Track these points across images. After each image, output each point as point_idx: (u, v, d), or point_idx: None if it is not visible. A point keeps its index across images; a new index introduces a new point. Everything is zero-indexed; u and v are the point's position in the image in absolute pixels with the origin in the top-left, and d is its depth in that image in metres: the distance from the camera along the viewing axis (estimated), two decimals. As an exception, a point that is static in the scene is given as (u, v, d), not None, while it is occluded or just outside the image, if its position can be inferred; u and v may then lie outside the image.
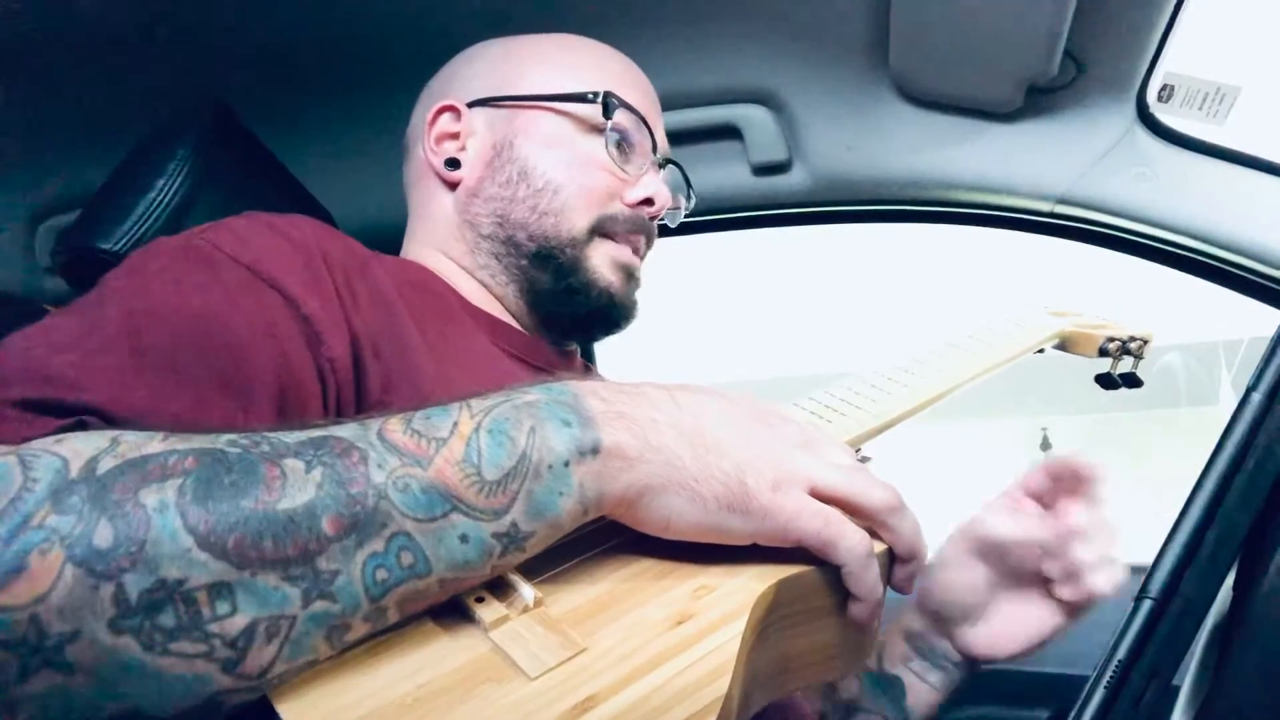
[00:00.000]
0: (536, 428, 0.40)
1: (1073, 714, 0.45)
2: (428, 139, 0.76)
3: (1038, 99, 0.98)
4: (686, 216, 0.92)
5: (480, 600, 0.39)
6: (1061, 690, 1.14)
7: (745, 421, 0.45)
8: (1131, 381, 0.86)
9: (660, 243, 1.29)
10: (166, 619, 0.32)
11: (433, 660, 0.36)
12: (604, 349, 1.48)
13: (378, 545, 0.36)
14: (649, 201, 0.75)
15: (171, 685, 0.33)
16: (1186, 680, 0.53)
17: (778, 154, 1.13)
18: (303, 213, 0.95)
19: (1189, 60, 0.93)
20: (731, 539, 0.43)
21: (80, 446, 0.35)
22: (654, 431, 0.42)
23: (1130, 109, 0.96)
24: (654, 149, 0.77)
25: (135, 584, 0.32)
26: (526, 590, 0.39)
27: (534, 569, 0.41)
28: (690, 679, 0.37)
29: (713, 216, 1.26)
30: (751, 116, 1.11)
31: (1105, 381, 0.86)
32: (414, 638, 0.37)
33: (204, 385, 0.45)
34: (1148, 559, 0.50)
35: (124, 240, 0.81)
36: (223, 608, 0.33)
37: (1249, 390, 0.49)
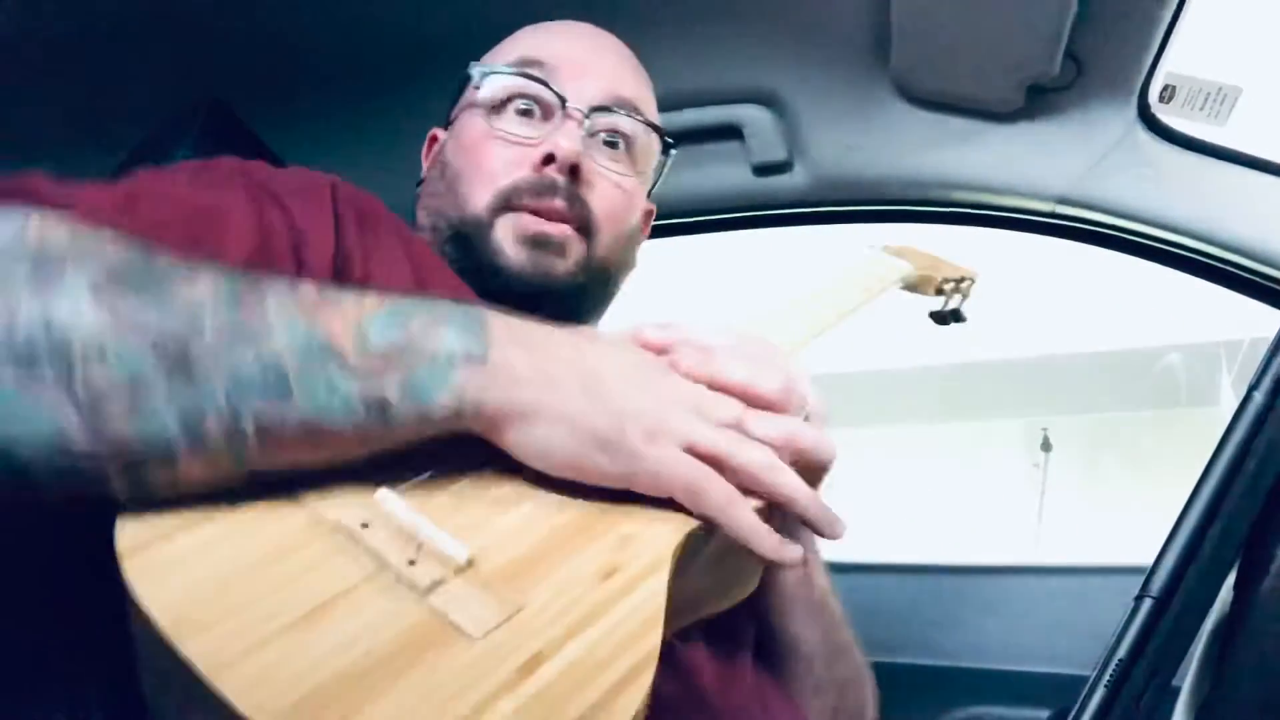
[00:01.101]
0: (434, 323, 0.42)
1: (1074, 712, 0.46)
2: (423, 165, 0.82)
3: (1039, 99, 0.98)
4: (688, 217, 0.92)
5: (412, 563, 0.38)
6: (1062, 690, 1.14)
7: (644, 377, 0.47)
8: (957, 317, 0.94)
9: (661, 243, 1.30)
10: (40, 355, 0.36)
11: (371, 628, 0.35)
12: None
13: (248, 354, 0.38)
14: (551, 159, 0.69)
15: (33, 424, 0.36)
16: (1187, 680, 0.53)
17: (778, 154, 1.13)
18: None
19: (1190, 61, 0.93)
20: (603, 480, 0.44)
21: (43, 220, 0.40)
22: (549, 362, 0.44)
23: (1131, 109, 0.96)
24: (563, 102, 0.70)
25: (25, 317, 0.36)
26: (459, 549, 0.39)
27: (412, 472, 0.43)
28: (628, 630, 0.38)
29: (713, 216, 1.26)
30: (752, 116, 1.11)
31: (939, 317, 0.93)
32: (347, 604, 0.36)
33: (175, 245, 0.47)
34: (1149, 559, 0.50)
35: (125, 239, 0.81)
36: (94, 361, 0.36)
37: (1251, 389, 0.49)
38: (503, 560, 0.40)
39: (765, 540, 0.45)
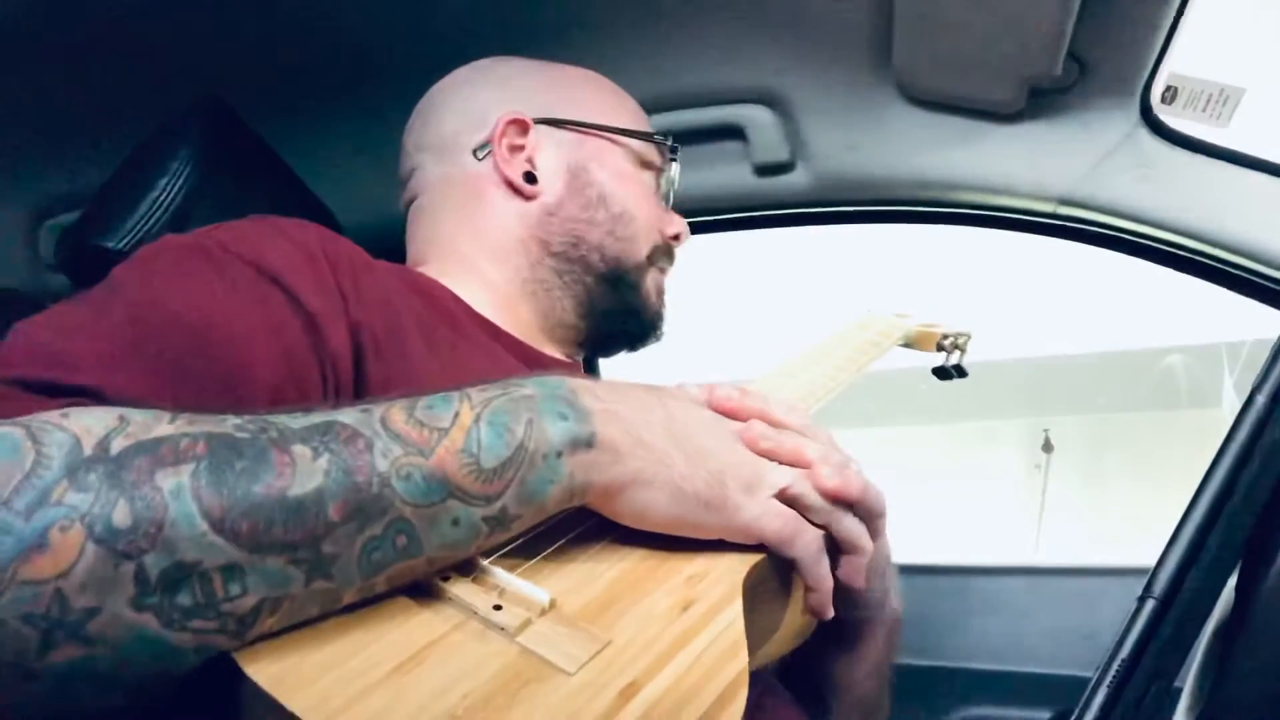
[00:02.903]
0: (534, 420, 0.42)
1: (1075, 713, 0.46)
2: (499, 149, 0.75)
3: (1040, 100, 0.98)
4: (689, 217, 0.93)
5: (499, 608, 0.39)
6: (1063, 690, 1.14)
7: (724, 429, 0.51)
8: (960, 372, 0.97)
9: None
10: (184, 598, 0.34)
11: (467, 670, 0.36)
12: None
13: (376, 530, 0.37)
14: (678, 236, 0.83)
15: (184, 655, 0.34)
16: (1188, 681, 0.53)
17: (780, 154, 1.13)
18: (304, 210, 0.96)
19: (1192, 61, 0.92)
20: (701, 533, 0.47)
21: (89, 423, 0.36)
22: (645, 430, 0.46)
23: (1133, 110, 0.96)
24: (670, 191, 0.83)
25: (155, 564, 0.33)
26: (540, 593, 0.40)
27: (516, 554, 0.43)
28: (714, 656, 0.40)
29: (715, 216, 1.26)
30: (754, 116, 1.11)
31: (942, 373, 0.97)
32: (441, 651, 0.37)
33: (202, 380, 0.47)
34: (1151, 560, 0.50)
35: (127, 238, 0.81)
36: (235, 588, 0.35)
37: (1253, 392, 0.49)
38: (582, 602, 0.42)
39: (826, 587, 0.50)
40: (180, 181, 0.84)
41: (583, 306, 0.77)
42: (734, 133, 1.13)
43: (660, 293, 0.82)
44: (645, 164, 0.81)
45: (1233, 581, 0.50)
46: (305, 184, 0.98)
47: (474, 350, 0.66)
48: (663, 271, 0.83)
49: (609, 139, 0.78)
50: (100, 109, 1.10)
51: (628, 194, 0.78)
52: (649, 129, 0.82)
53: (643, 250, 0.78)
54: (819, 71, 1.05)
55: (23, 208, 1.26)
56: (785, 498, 0.49)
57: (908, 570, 1.33)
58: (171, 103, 0.89)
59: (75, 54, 1.02)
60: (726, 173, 1.17)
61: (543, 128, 0.77)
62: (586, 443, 0.43)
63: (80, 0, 0.95)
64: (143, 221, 0.82)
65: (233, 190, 0.88)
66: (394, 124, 0.85)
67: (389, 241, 0.85)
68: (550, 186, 0.76)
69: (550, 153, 0.76)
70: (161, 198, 0.82)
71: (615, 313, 0.79)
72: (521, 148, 0.76)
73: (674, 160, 0.82)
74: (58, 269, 1.26)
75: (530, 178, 0.76)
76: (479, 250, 0.76)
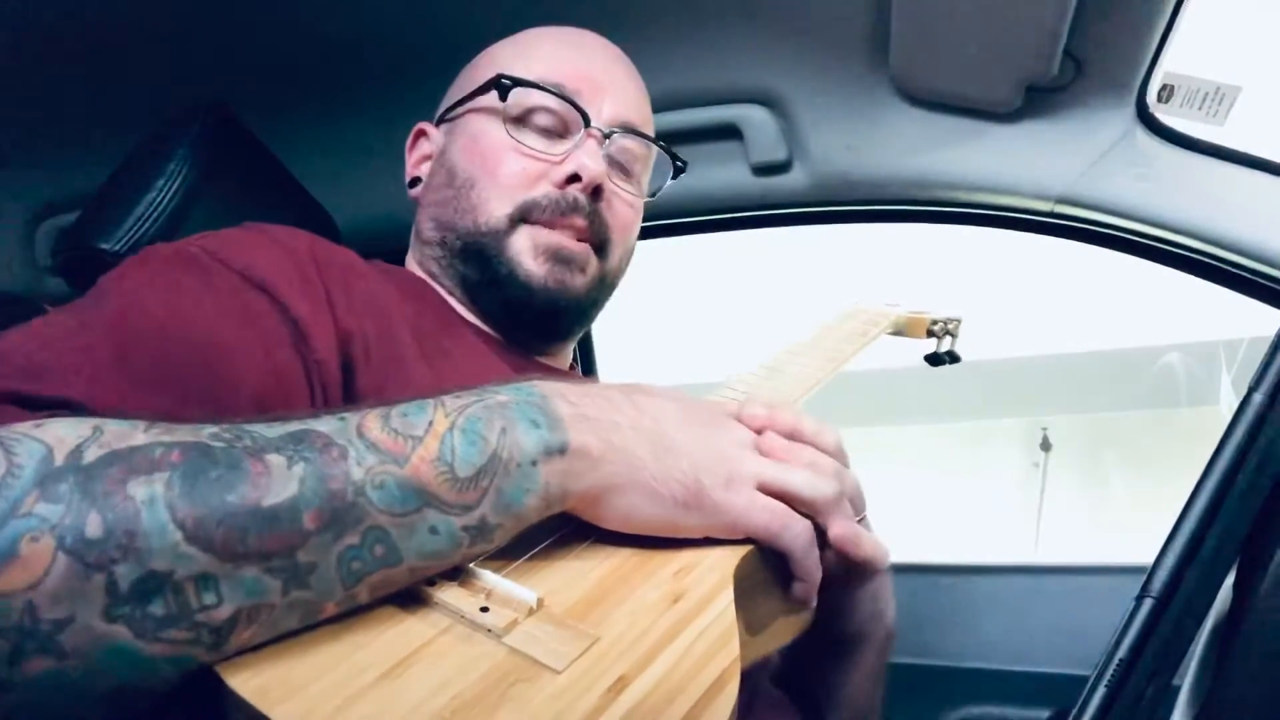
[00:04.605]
0: (508, 428, 0.42)
1: (1074, 712, 0.46)
2: (408, 162, 0.79)
3: (1037, 99, 0.98)
4: (688, 217, 0.92)
5: (485, 610, 0.39)
6: (1062, 690, 1.14)
7: (699, 423, 0.49)
8: (953, 357, 0.95)
9: (661, 243, 1.30)
10: (157, 608, 0.33)
11: (455, 673, 0.36)
12: (605, 348, 1.48)
13: (354, 539, 0.37)
14: (576, 178, 0.69)
15: (159, 666, 0.34)
16: (1186, 680, 0.53)
17: (778, 154, 1.13)
18: (302, 211, 0.95)
19: (1188, 60, 0.93)
20: (686, 533, 0.46)
21: (63, 433, 0.35)
22: (617, 434, 0.45)
23: (1130, 109, 0.96)
24: (586, 122, 0.71)
25: (126, 574, 0.33)
26: (527, 594, 0.40)
27: (501, 556, 0.43)
28: (704, 647, 0.40)
29: (713, 216, 1.26)
30: (751, 116, 1.11)
31: (934, 360, 0.95)
32: (428, 655, 0.37)
33: (185, 390, 0.46)
34: (1149, 558, 0.50)
35: (124, 240, 0.81)
36: (209, 598, 0.34)
37: (1250, 390, 0.49)
38: (570, 601, 0.42)
39: (814, 579, 0.49)
40: (178, 183, 0.83)
41: (462, 290, 0.73)
42: (731, 133, 1.14)
43: (543, 251, 0.69)
44: (514, 118, 0.71)
45: (1230, 579, 0.51)
46: (303, 185, 0.98)
47: (467, 355, 0.66)
48: (558, 227, 0.69)
49: (468, 109, 0.74)
50: (99, 110, 1.10)
51: (471, 159, 0.72)
52: (531, 78, 0.71)
53: (497, 213, 0.69)
54: (817, 71, 1.05)
55: (19, 209, 1.25)
56: (769, 489, 0.48)
57: (907, 570, 1.33)
58: (170, 103, 0.89)
59: (73, 55, 1.02)
60: (724, 173, 1.17)
61: (443, 126, 0.78)
62: (560, 450, 0.43)
63: (79, 1, 0.95)
64: (140, 223, 0.81)
65: (230, 191, 0.88)
66: (393, 124, 0.85)
67: (388, 242, 0.85)
68: (424, 183, 0.77)
69: (437, 148, 0.78)
70: (159, 199, 0.82)
71: (483, 287, 0.71)
72: (429, 155, 0.78)
73: (504, 100, 0.70)
74: (54, 271, 1.26)
75: (415, 181, 0.78)
76: (412, 255, 0.78)
